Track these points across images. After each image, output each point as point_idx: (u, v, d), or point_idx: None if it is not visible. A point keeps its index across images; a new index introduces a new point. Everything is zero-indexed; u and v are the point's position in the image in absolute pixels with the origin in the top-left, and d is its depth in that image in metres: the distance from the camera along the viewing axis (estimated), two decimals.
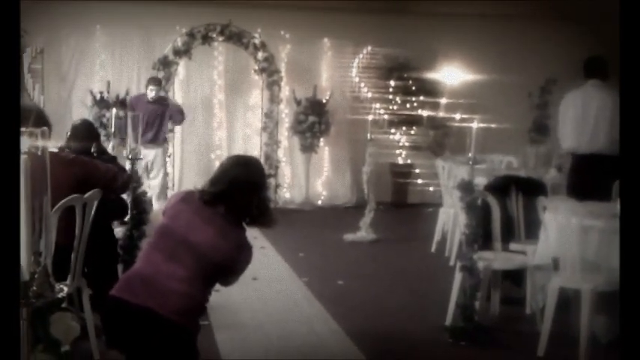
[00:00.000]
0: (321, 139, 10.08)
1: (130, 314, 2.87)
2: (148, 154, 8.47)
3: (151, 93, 8.59)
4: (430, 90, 10.08)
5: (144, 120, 8.37)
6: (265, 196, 3.19)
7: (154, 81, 8.71)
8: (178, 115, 8.98)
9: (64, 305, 2.19)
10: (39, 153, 1.56)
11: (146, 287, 2.88)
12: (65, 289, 1.67)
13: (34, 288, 1.56)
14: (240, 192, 3.03)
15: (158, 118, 8.68)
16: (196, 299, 2.97)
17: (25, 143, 1.58)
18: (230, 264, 3.02)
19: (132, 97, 8.93)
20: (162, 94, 8.84)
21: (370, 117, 8.34)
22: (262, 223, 3.17)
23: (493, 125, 6.35)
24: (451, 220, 6.80)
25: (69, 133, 4.78)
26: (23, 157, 1.57)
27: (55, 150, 4.22)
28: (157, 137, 8.73)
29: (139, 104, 8.45)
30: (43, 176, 1.62)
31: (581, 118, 6.06)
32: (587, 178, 5.96)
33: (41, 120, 3.79)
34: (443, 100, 10.08)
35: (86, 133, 4.85)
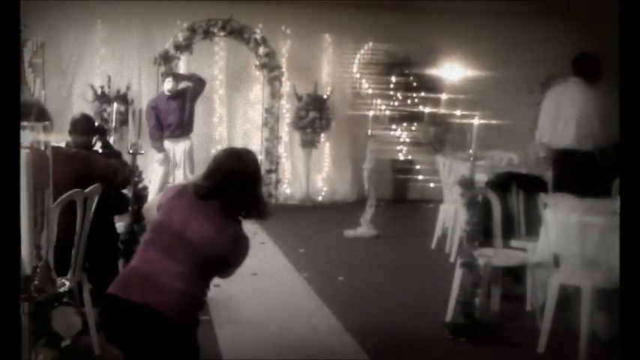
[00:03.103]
0: (322, 135, 10.08)
1: (127, 312, 2.85)
2: (177, 148, 8.42)
3: (168, 85, 8.39)
4: (431, 86, 10.08)
5: (167, 118, 8.35)
6: (260, 189, 3.14)
7: (170, 74, 8.62)
8: (199, 87, 8.66)
9: (65, 300, 2.19)
10: (41, 147, 1.55)
11: (143, 284, 2.85)
12: (67, 283, 1.66)
13: (36, 282, 1.56)
14: (234, 185, 2.98)
15: (181, 110, 8.45)
16: (194, 295, 2.94)
17: (27, 138, 1.58)
18: (227, 258, 2.99)
19: (150, 101, 8.66)
20: (182, 85, 8.58)
21: (371, 113, 8.34)
22: (258, 215, 3.12)
23: (494, 122, 6.35)
24: (452, 216, 6.80)
25: (69, 128, 4.78)
26: (25, 152, 1.57)
27: (57, 145, 4.22)
28: (184, 130, 8.52)
29: (160, 104, 8.37)
30: (44, 171, 1.61)
31: (557, 114, 6.06)
32: (564, 172, 5.98)
33: (43, 115, 3.79)
34: (444, 97, 10.07)
35: (85, 126, 4.86)
